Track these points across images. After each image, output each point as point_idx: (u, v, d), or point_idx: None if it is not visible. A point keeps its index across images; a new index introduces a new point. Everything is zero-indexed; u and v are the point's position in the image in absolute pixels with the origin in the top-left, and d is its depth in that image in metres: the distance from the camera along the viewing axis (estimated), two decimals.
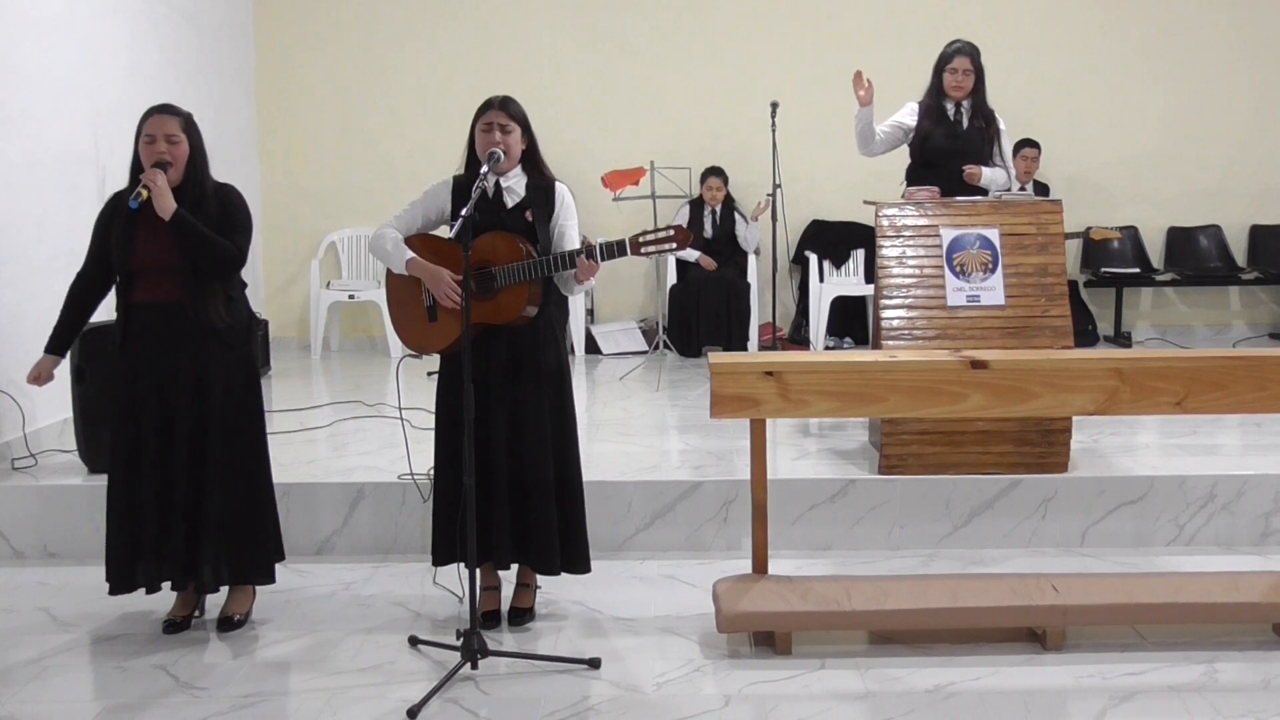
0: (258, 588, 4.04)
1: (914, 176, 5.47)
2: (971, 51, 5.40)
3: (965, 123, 5.44)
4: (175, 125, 3.75)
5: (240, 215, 3.84)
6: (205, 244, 3.70)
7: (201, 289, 3.73)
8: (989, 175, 5.42)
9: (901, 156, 5.62)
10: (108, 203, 3.88)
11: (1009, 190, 5.41)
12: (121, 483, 3.79)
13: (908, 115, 5.51)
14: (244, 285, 3.90)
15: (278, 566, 4.02)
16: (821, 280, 8.34)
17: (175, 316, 3.73)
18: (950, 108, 5.44)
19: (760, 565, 3.95)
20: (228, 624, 3.91)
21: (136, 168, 3.78)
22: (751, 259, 8.28)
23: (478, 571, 3.59)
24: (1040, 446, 4.77)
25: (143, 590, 3.86)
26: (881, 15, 8.60)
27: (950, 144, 5.40)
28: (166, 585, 3.88)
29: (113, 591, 3.84)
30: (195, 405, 3.76)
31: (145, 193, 3.64)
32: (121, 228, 3.75)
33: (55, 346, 3.94)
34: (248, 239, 3.84)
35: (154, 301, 3.74)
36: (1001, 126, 5.50)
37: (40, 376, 3.96)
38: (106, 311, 6.04)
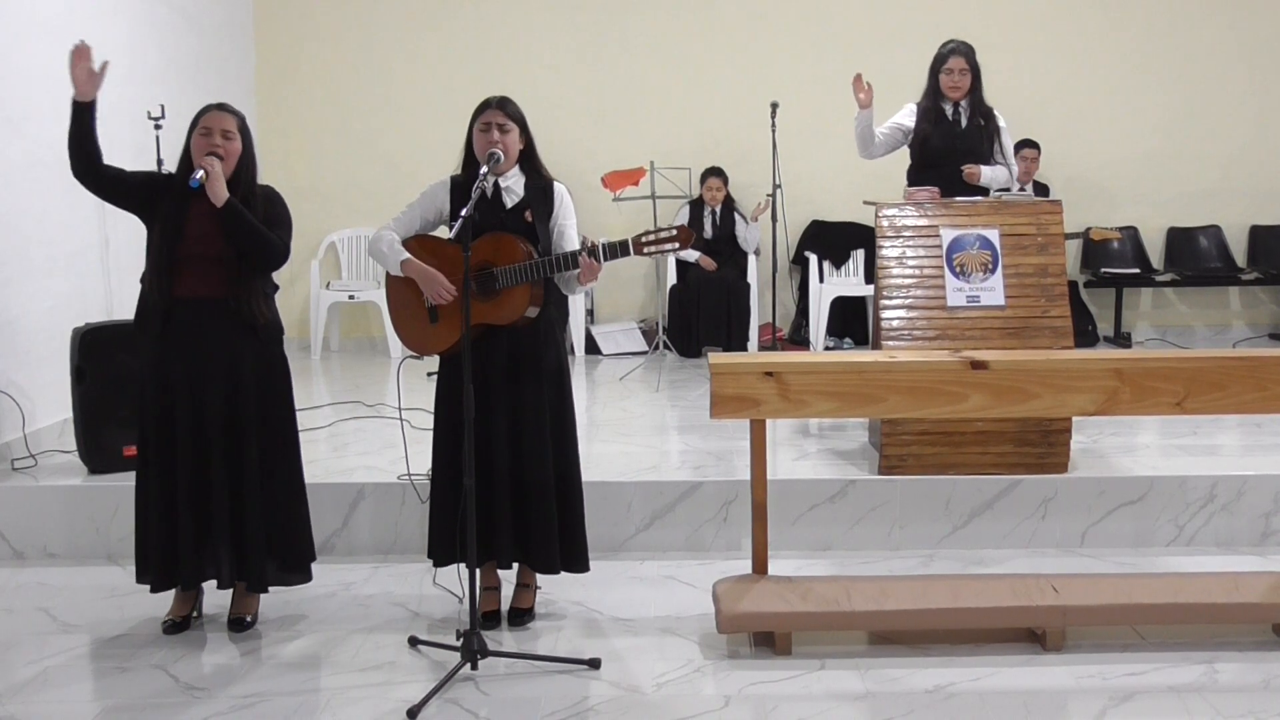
0: None
1: (914, 177, 5.46)
2: (966, 51, 5.39)
3: (964, 122, 5.44)
4: (231, 123, 3.79)
5: (285, 213, 3.90)
6: (255, 234, 3.73)
7: (246, 284, 3.75)
8: (989, 174, 5.41)
9: (901, 157, 5.62)
10: (156, 174, 3.86)
11: (1010, 190, 5.41)
12: (156, 479, 3.78)
13: (906, 117, 5.51)
14: (276, 287, 3.92)
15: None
16: (821, 280, 8.33)
17: (218, 311, 3.75)
18: (948, 108, 5.43)
19: (760, 565, 3.95)
20: (239, 625, 3.91)
21: (187, 160, 3.80)
22: (751, 259, 8.27)
23: (478, 572, 3.60)
24: (1040, 447, 4.77)
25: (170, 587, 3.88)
26: (881, 16, 8.59)
27: (949, 144, 5.40)
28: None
29: (154, 589, 3.85)
30: (229, 401, 3.78)
31: (204, 175, 3.65)
32: (173, 211, 3.75)
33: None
34: (291, 235, 3.90)
35: (199, 296, 3.74)
36: (1001, 124, 5.48)
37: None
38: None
